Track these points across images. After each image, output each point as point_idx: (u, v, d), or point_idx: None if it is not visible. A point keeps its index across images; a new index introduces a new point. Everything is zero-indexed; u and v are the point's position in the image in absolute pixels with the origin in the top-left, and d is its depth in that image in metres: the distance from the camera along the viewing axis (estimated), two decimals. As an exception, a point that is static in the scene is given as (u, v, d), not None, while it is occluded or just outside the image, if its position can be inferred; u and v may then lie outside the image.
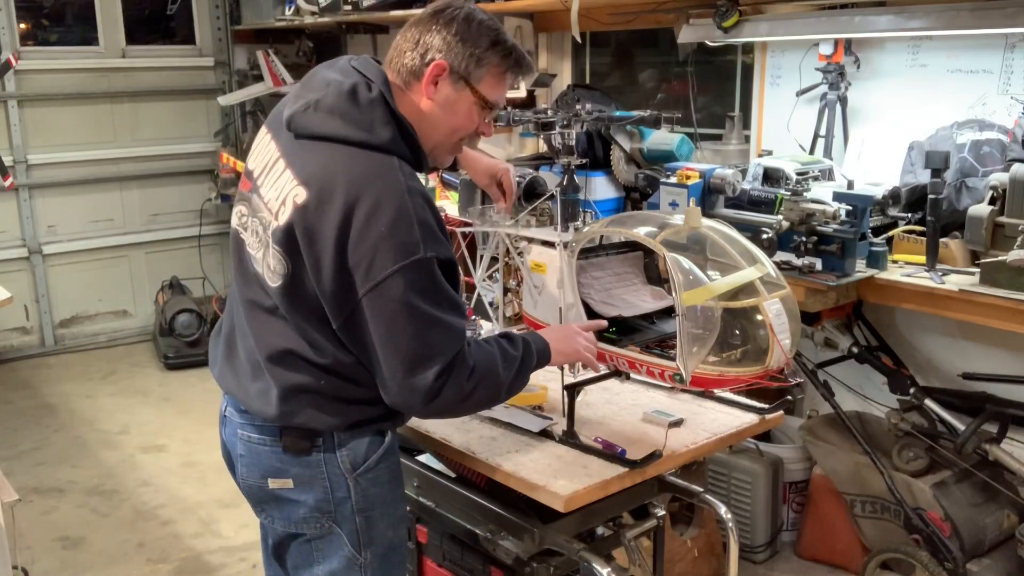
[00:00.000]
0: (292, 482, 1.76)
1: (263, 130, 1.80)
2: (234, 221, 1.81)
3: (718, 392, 2.07)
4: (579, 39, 3.88)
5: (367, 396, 1.70)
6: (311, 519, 1.78)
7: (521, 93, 4.12)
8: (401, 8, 4.61)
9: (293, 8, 5.34)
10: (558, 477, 1.75)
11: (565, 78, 4.62)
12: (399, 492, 1.88)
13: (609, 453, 1.82)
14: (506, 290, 2.08)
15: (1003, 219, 2.57)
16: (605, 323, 1.93)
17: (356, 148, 1.61)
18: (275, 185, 1.68)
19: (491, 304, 2.11)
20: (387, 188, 1.57)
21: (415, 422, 2.02)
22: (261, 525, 1.92)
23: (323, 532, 1.79)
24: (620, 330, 1.91)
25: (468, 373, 1.62)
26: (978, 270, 2.56)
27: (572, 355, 1.83)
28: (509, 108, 2.07)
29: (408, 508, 2.23)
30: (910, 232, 2.84)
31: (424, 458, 2.17)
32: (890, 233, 2.85)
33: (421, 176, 1.73)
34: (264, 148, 1.76)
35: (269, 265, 1.68)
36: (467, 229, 2.16)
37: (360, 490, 1.77)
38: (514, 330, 1.91)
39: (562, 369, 1.92)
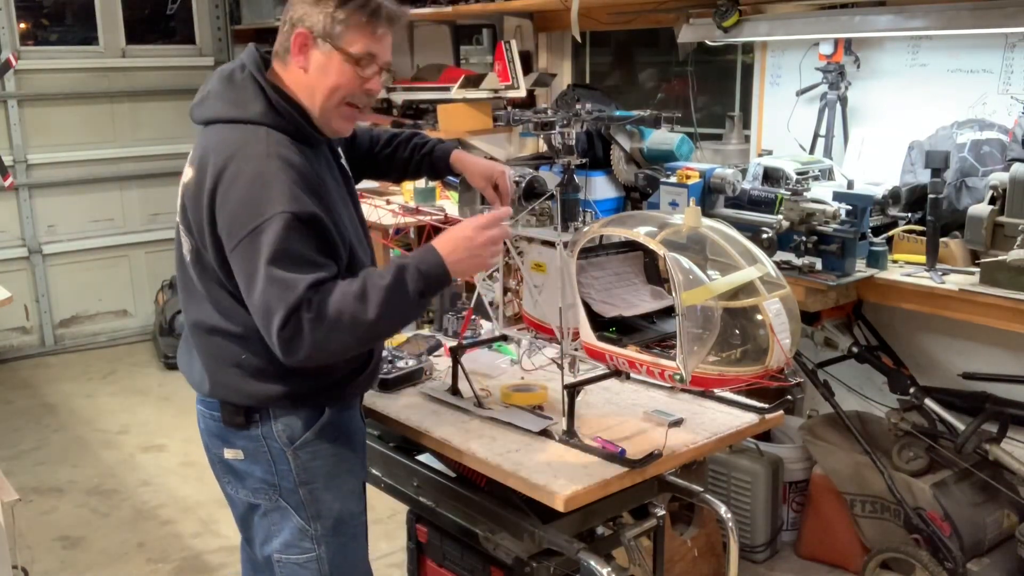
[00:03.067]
0: (242, 453, 1.87)
1: None
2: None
3: (718, 392, 2.07)
4: (579, 39, 3.88)
5: (288, 370, 1.74)
6: (260, 490, 1.88)
7: (521, 93, 4.12)
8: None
9: (293, 8, 5.33)
10: (558, 477, 1.75)
11: (565, 78, 4.62)
12: (347, 465, 1.91)
13: (609, 453, 1.82)
14: (506, 290, 2.07)
15: (1003, 219, 2.57)
16: (509, 210, 1.87)
17: (231, 124, 1.75)
18: (185, 171, 1.82)
19: (491, 304, 2.10)
20: (249, 156, 1.68)
21: (414, 420, 2.03)
22: (228, 498, 1.99)
23: (274, 504, 1.88)
24: (620, 330, 1.91)
25: (318, 321, 1.61)
26: (978, 270, 2.56)
27: (476, 265, 1.78)
28: (509, 108, 2.07)
29: (409, 508, 2.25)
30: (910, 232, 2.84)
31: (424, 458, 2.17)
32: (890, 233, 2.85)
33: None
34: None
35: (182, 243, 1.83)
36: (467, 229, 2.16)
37: (300, 463, 1.85)
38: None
39: (562, 369, 1.92)
